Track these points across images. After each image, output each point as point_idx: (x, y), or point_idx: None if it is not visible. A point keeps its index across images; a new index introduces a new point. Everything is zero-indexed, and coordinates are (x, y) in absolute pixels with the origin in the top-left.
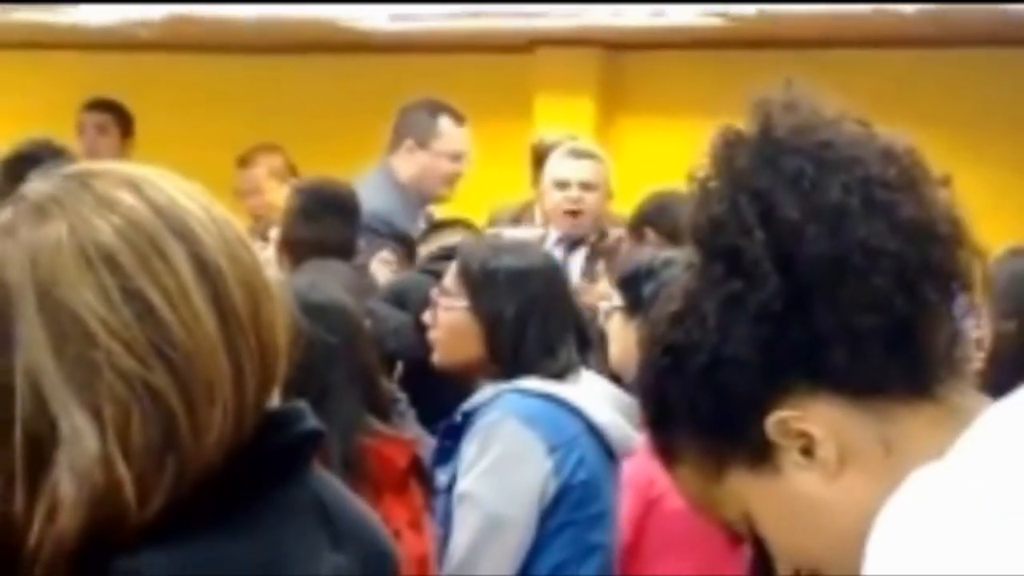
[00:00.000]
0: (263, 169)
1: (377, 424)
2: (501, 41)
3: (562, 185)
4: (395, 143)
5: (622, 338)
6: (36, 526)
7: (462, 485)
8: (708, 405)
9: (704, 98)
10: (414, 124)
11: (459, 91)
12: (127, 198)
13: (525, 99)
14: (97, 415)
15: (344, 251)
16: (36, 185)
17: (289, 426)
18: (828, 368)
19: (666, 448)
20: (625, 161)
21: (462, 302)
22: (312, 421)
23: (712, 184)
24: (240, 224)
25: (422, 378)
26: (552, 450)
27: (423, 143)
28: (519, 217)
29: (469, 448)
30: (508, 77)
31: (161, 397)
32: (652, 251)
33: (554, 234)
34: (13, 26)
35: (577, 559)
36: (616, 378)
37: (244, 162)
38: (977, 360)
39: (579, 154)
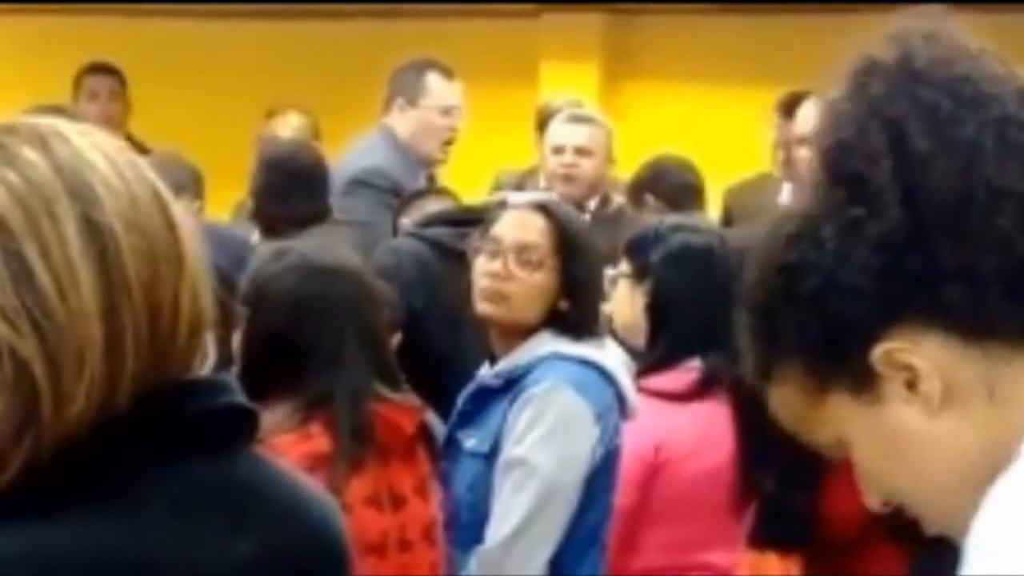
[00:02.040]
0: (286, 128)
1: (385, 390)
2: (507, 6)
3: (558, 150)
4: (388, 104)
5: (628, 304)
6: None
7: (517, 451)
8: (817, 328)
9: (710, 64)
10: (403, 83)
11: (465, 56)
12: (30, 155)
13: (530, 65)
14: None
15: (316, 221)
16: None
17: (192, 399)
18: (942, 304)
19: (768, 367)
20: (631, 127)
21: (552, 262)
22: (232, 396)
23: (842, 108)
24: (163, 187)
25: (409, 344)
26: (598, 418)
27: (412, 100)
28: (523, 182)
29: (522, 414)
30: (513, 42)
31: (26, 367)
32: (657, 216)
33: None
34: None
35: (604, 522)
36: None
37: (270, 114)
38: None
39: (576, 119)
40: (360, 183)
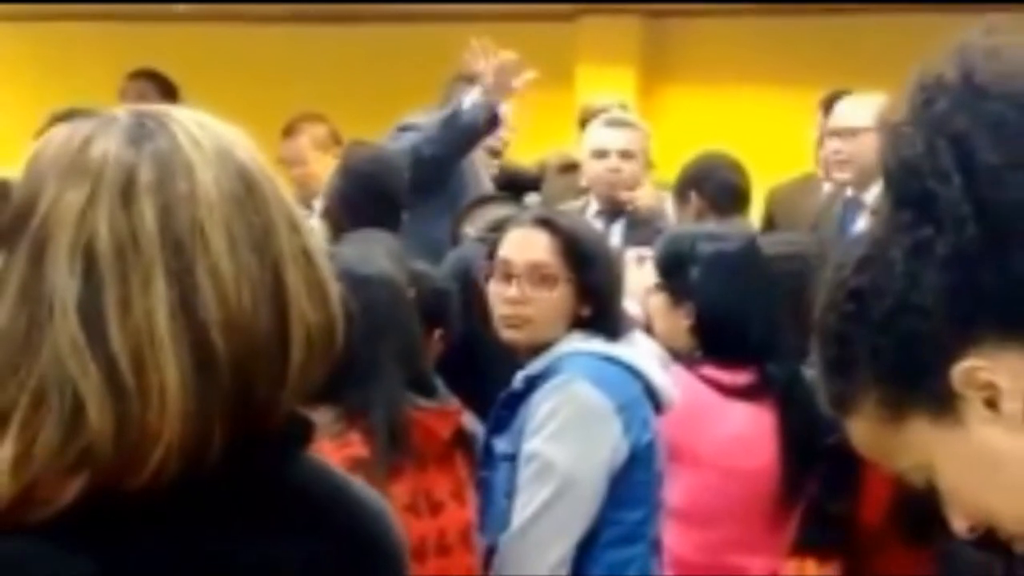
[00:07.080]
0: (306, 139)
1: (420, 400)
2: (544, 10)
3: (601, 154)
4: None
5: (670, 321)
6: None
7: (533, 445)
8: (891, 352)
9: (745, 65)
10: (455, 95)
11: None
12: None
13: (567, 68)
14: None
15: (389, 230)
16: None
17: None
18: (1019, 318)
19: (843, 395)
20: (667, 129)
21: (566, 275)
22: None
23: (906, 128)
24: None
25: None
26: (620, 410)
27: None
28: (568, 168)
29: (540, 408)
30: (550, 46)
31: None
32: (697, 216)
33: (594, 205)
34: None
35: (652, 516)
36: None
37: (288, 132)
38: None
39: (617, 123)
40: (407, 127)
